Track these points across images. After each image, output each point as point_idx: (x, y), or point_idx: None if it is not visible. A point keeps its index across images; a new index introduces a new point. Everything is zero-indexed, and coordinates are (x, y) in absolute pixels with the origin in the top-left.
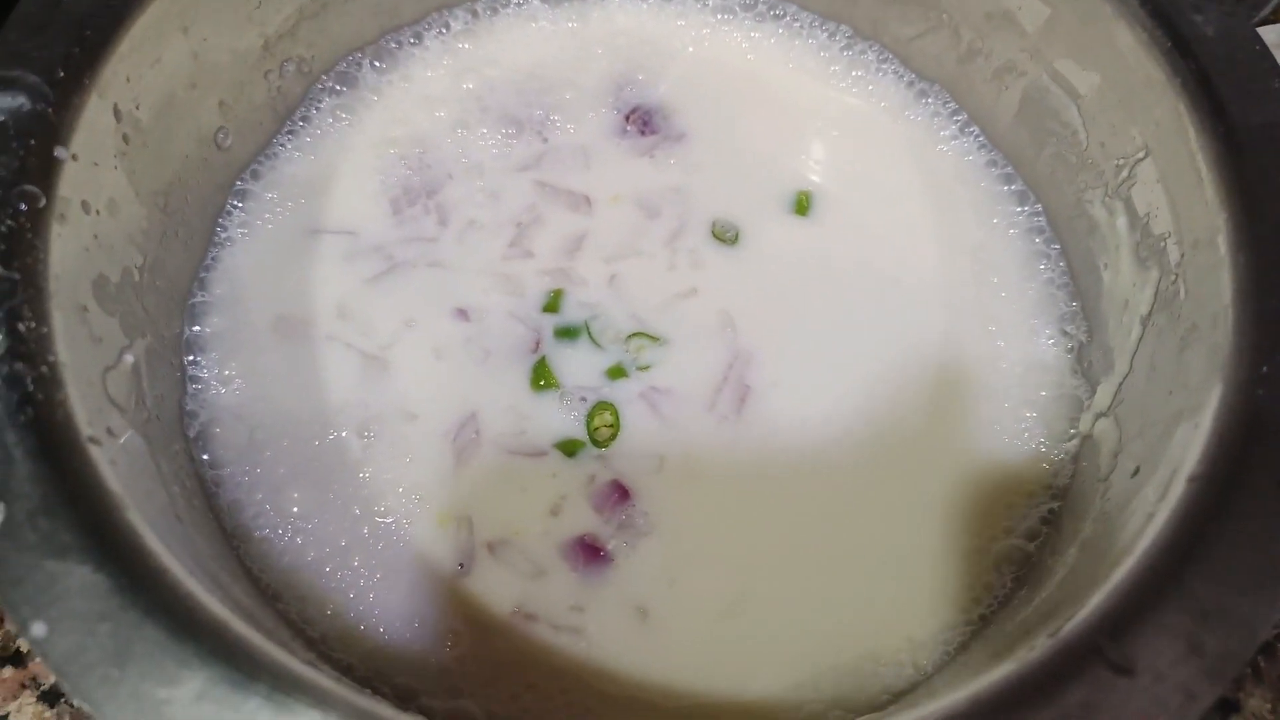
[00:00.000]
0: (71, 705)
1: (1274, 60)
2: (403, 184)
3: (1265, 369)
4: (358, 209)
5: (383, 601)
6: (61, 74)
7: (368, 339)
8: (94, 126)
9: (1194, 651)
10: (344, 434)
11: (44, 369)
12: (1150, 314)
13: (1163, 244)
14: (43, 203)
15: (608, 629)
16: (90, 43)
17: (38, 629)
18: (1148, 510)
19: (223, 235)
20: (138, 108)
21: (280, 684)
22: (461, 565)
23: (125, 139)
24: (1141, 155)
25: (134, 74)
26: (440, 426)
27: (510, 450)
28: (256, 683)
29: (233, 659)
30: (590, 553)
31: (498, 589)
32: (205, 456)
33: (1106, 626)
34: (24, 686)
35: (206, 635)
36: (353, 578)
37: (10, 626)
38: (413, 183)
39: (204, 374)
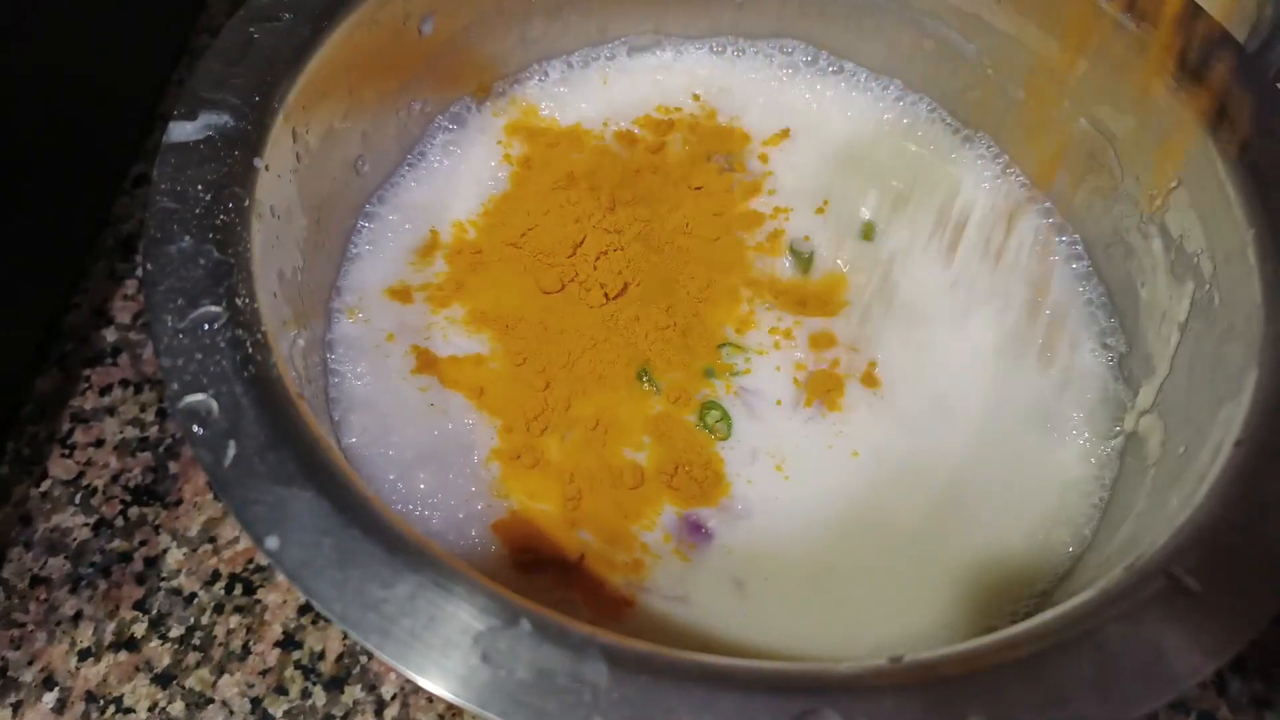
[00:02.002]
0: (184, 687)
1: None
2: None
3: None
4: None
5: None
6: (257, 98)
7: None
8: (279, 144)
9: (1253, 573)
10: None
11: (259, 335)
12: (1188, 320)
13: (1196, 260)
14: (246, 202)
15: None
16: (278, 74)
17: (272, 542)
18: (1199, 473)
19: (354, 251)
20: (308, 132)
21: (475, 590)
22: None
23: (298, 157)
24: (1174, 185)
25: (308, 104)
26: None
27: None
28: (456, 585)
29: (437, 569)
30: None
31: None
32: (345, 440)
33: (1175, 557)
34: (138, 669)
35: (412, 551)
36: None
37: (125, 614)
38: None
39: (342, 368)
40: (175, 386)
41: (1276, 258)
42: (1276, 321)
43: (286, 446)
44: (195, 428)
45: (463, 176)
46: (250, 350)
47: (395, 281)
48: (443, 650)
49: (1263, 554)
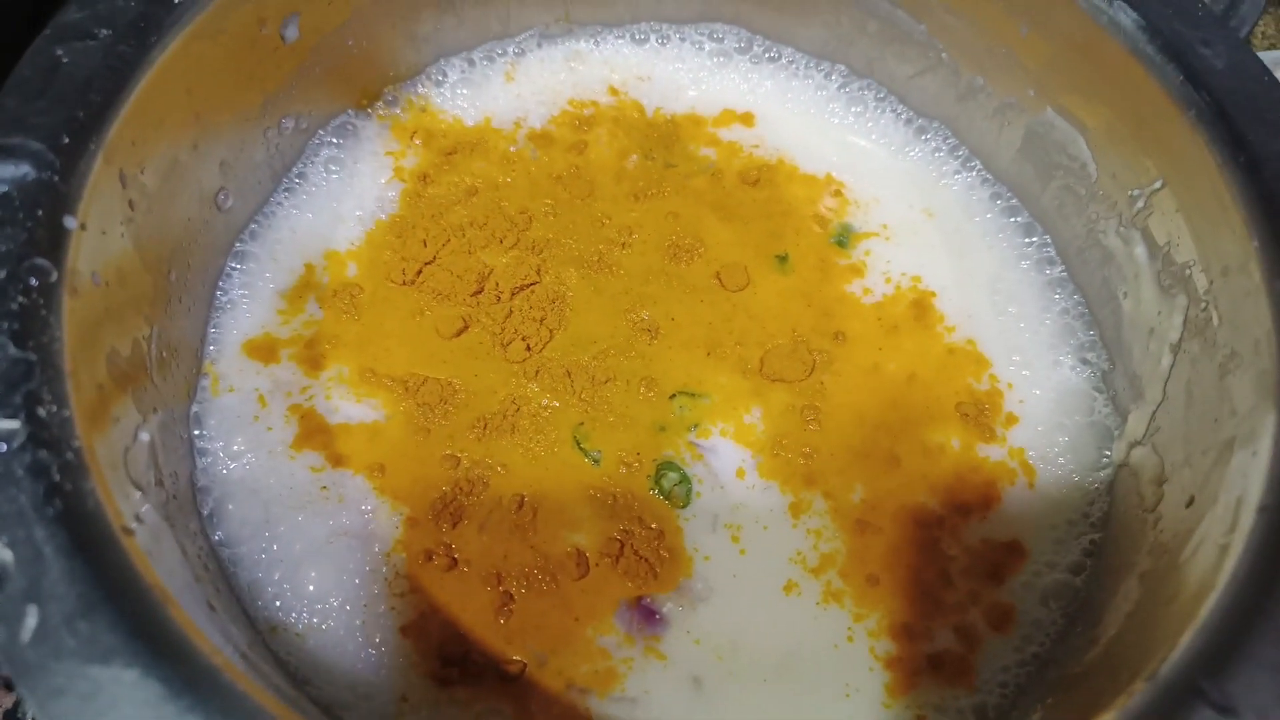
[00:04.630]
0: None
1: None
2: None
3: None
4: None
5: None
6: (66, 140)
7: None
8: (100, 193)
9: None
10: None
11: (69, 455)
12: (1181, 341)
13: (1187, 272)
14: (54, 276)
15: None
16: (95, 106)
17: None
18: (1218, 542)
19: (223, 299)
20: (143, 172)
21: None
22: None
23: (131, 205)
24: (1158, 185)
25: (139, 137)
26: None
27: None
28: None
29: None
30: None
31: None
32: (219, 535)
33: (1204, 666)
34: None
35: None
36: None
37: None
38: None
39: (212, 446)
40: None
41: None
42: None
43: (105, 609)
44: None
45: (346, 198)
46: (57, 477)
47: (259, 334)
48: None
49: None
